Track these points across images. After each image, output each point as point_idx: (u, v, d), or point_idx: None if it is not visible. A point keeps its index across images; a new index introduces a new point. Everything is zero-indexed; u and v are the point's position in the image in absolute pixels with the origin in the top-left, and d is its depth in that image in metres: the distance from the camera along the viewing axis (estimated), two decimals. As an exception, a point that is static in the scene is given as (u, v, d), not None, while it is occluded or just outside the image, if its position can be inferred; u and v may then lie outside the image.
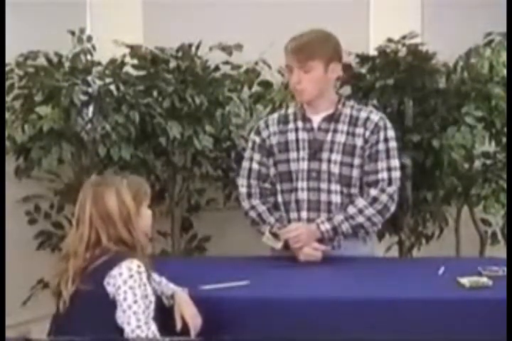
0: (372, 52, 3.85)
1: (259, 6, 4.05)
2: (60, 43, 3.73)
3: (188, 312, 2.29)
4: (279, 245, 2.78)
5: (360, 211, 2.77)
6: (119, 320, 2.15)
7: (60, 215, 3.90)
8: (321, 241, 2.77)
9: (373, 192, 2.78)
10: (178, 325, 2.28)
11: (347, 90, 3.78)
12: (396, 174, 2.81)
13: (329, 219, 2.77)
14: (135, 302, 2.14)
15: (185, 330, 2.27)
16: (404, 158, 3.44)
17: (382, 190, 2.78)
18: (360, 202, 2.78)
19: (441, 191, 3.81)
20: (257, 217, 2.86)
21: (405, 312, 2.29)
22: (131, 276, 2.16)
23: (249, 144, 2.95)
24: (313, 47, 2.75)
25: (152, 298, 2.19)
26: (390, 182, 2.79)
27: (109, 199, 2.25)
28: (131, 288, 2.15)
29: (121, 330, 2.15)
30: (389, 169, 2.80)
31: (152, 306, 2.18)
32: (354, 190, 2.81)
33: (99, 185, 2.29)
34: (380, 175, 2.79)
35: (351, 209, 2.77)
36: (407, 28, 3.81)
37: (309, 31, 2.82)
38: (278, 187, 2.87)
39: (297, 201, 2.83)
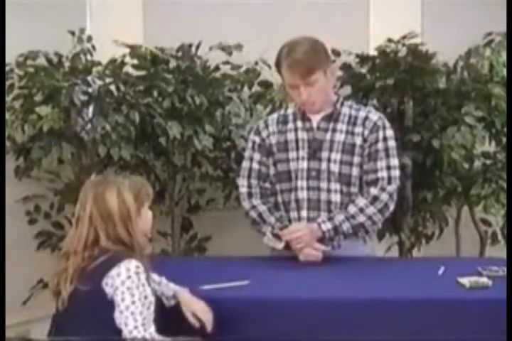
0: (372, 52, 3.85)
1: (259, 6, 4.05)
2: (60, 43, 3.73)
3: (199, 308, 2.29)
4: (280, 245, 2.78)
5: (361, 210, 2.77)
6: (117, 320, 2.15)
7: (60, 215, 3.90)
8: (321, 240, 2.77)
9: (373, 190, 2.78)
10: (195, 323, 2.27)
11: (347, 90, 3.78)
12: (395, 173, 2.82)
13: (330, 219, 2.77)
14: (133, 303, 2.14)
15: (189, 329, 2.27)
16: (404, 158, 3.44)
17: (383, 189, 2.79)
18: (361, 201, 2.78)
19: (441, 191, 3.81)
20: (258, 217, 2.86)
21: (405, 312, 2.29)
22: (129, 277, 2.15)
23: (249, 144, 2.95)
24: (310, 60, 2.72)
25: (152, 299, 2.18)
26: (389, 181, 2.80)
27: (110, 198, 2.25)
28: (129, 289, 2.14)
29: (120, 331, 2.15)
30: (388, 168, 2.80)
31: (152, 307, 2.18)
32: (354, 189, 2.81)
33: (101, 185, 2.29)
34: (379, 174, 2.80)
35: (352, 209, 2.77)
36: (407, 28, 3.81)
37: (296, 42, 2.77)
38: (278, 186, 2.87)
39: (297, 200, 2.83)
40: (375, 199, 2.78)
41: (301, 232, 2.75)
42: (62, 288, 2.19)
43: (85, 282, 2.17)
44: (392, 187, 2.80)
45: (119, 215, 2.24)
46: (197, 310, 2.29)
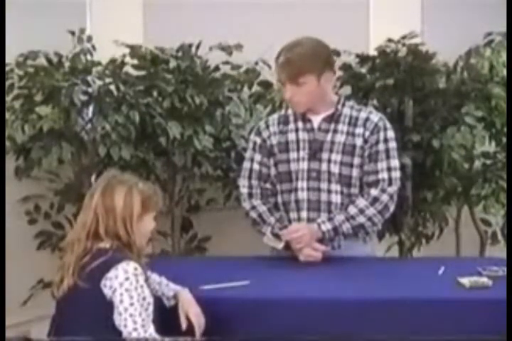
0: (372, 52, 3.85)
1: (259, 6, 4.05)
2: (60, 43, 3.73)
3: (193, 311, 2.29)
4: (280, 245, 2.78)
5: (361, 211, 2.77)
6: (117, 322, 2.15)
7: (60, 215, 3.89)
8: (321, 241, 2.77)
9: (374, 192, 2.78)
10: (184, 325, 2.28)
11: (347, 90, 3.78)
12: (396, 174, 2.82)
13: (330, 219, 2.77)
14: (131, 304, 2.14)
15: (188, 330, 2.27)
16: (404, 158, 3.44)
17: (383, 190, 2.79)
18: (361, 202, 2.78)
19: (441, 191, 3.81)
20: (258, 218, 2.86)
21: (405, 312, 2.29)
22: (127, 279, 2.15)
23: (250, 145, 2.95)
24: (303, 63, 2.72)
25: (150, 300, 2.18)
26: (390, 182, 2.80)
27: (118, 195, 2.26)
28: (127, 291, 2.14)
29: (120, 332, 2.15)
30: (389, 169, 2.80)
31: (151, 308, 2.17)
32: (354, 190, 2.81)
33: (115, 178, 2.31)
34: (380, 175, 2.80)
35: (352, 209, 2.77)
36: (407, 28, 3.81)
37: (299, 42, 2.78)
38: (278, 187, 2.87)
39: (297, 201, 2.83)
40: (375, 200, 2.78)
41: (300, 232, 2.75)
42: (65, 277, 2.19)
43: (85, 282, 2.17)
44: (393, 189, 2.80)
45: (121, 213, 2.25)
46: (191, 312, 2.29)
